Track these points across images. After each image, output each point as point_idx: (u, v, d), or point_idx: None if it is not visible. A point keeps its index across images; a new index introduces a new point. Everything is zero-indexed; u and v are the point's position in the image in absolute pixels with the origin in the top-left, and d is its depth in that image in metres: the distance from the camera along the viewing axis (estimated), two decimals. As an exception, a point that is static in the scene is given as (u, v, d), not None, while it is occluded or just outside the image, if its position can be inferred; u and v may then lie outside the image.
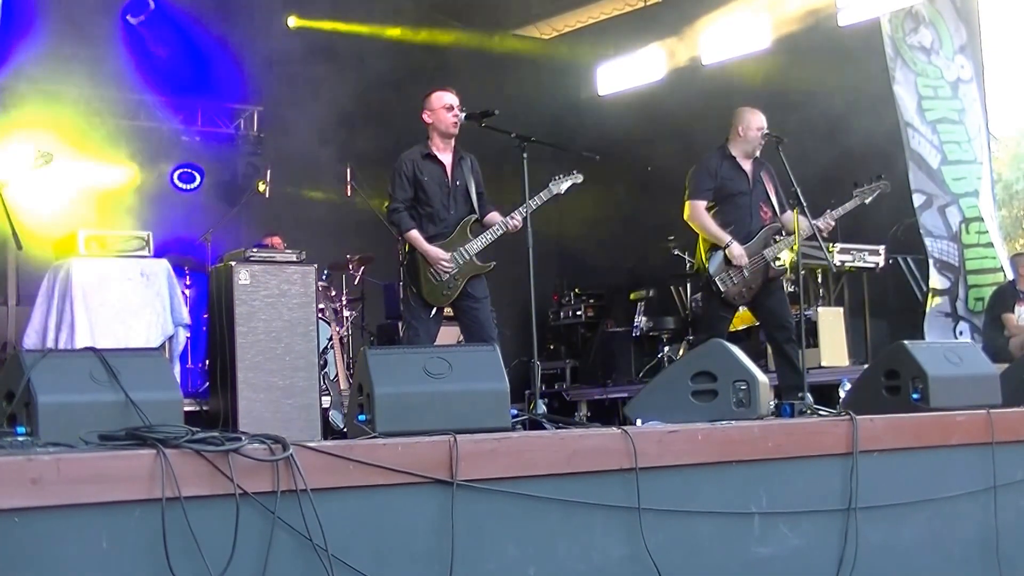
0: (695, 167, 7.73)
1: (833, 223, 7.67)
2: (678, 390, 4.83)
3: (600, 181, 8.22)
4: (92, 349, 3.71)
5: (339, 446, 3.53)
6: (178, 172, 11.43)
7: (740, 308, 7.97)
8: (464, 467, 3.64)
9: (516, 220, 6.94)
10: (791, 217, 7.37)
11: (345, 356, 9.40)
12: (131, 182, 11.00)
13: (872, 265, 9.80)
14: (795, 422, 4.99)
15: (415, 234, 6.97)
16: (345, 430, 4.53)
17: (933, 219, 10.01)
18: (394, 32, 11.37)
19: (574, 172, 7.19)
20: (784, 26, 10.57)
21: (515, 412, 4.53)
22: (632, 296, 11.29)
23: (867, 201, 7.86)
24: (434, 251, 6.93)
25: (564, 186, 7.15)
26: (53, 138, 9.29)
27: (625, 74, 12.25)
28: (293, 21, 11.49)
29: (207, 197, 11.55)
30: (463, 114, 6.99)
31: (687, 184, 7.68)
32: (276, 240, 9.64)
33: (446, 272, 6.92)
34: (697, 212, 7.59)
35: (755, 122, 7.59)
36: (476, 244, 7.03)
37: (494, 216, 7.11)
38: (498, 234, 7.04)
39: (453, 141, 7.13)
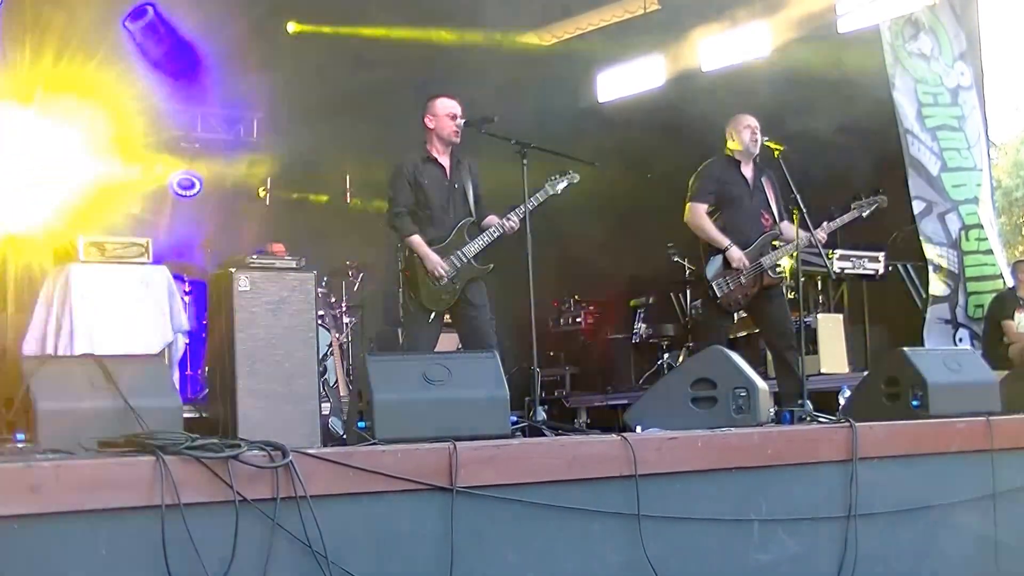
0: (699, 171, 7.75)
1: (826, 235, 7.69)
2: (678, 397, 4.83)
3: (600, 188, 8.21)
4: (91, 356, 3.71)
5: (339, 453, 3.53)
6: (178, 178, 11.42)
7: (736, 315, 7.97)
8: (464, 474, 3.64)
9: (513, 221, 6.95)
10: (790, 225, 7.38)
11: (345, 363, 9.39)
12: (131, 188, 10.99)
13: (872, 272, 9.79)
14: (795, 429, 4.99)
15: (417, 239, 6.97)
16: (345, 437, 4.52)
17: (933, 226, 10.01)
18: (394, 37, 11.35)
19: (570, 172, 7.17)
20: (784, 33, 10.56)
21: (515, 419, 4.53)
22: (632, 303, 11.27)
23: (864, 215, 7.90)
24: (434, 256, 6.92)
25: (560, 186, 7.12)
26: (53, 143, 9.29)
27: (625, 81, 12.24)
28: (292, 27, 11.48)
29: (206, 203, 11.54)
30: (462, 122, 7.00)
31: (688, 186, 7.70)
32: (279, 247, 9.61)
33: (444, 277, 6.92)
34: (697, 215, 7.60)
35: (743, 121, 7.63)
36: (473, 247, 7.03)
37: (491, 219, 7.11)
38: (495, 236, 7.04)
39: (451, 146, 7.14)
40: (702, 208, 7.61)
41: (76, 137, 9.68)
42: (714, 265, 7.54)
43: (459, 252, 6.99)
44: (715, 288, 7.49)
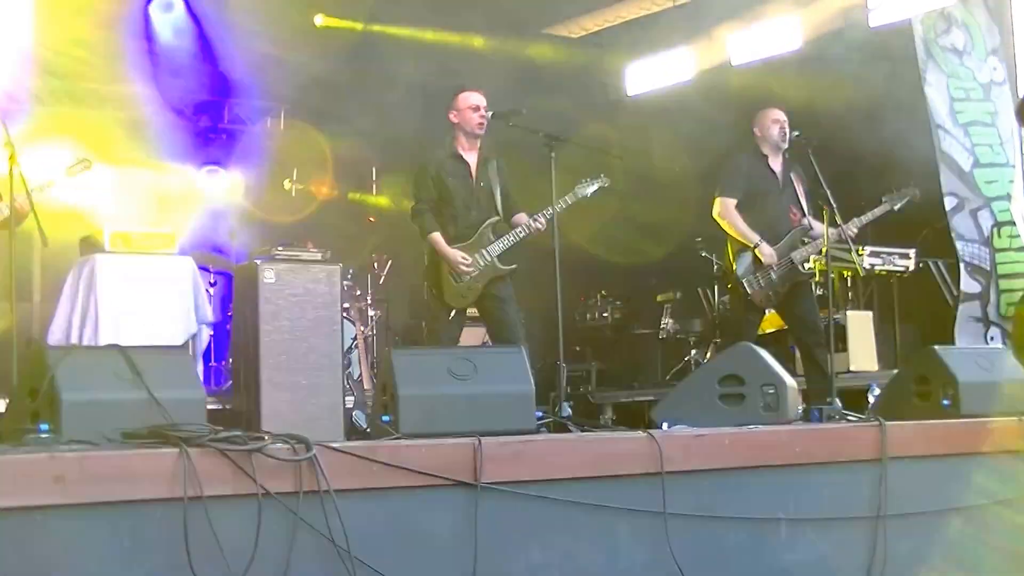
0: (725, 164, 7.69)
1: (856, 230, 7.61)
2: (705, 394, 4.79)
3: (627, 181, 8.17)
4: (116, 347, 3.70)
5: (362, 447, 3.51)
6: (204, 170, 11.44)
7: (767, 311, 7.91)
8: (488, 469, 3.62)
9: (540, 223, 6.94)
10: (819, 219, 7.31)
11: (369, 356, 9.38)
12: (156, 179, 11.01)
13: (902, 269, 9.70)
14: (823, 427, 4.96)
15: (437, 236, 6.95)
16: (369, 431, 4.51)
17: (964, 222, 9.90)
18: (423, 31, 11.33)
19: (601, 176, 7.16)
20: (815, 27, 10.48)
21: (540, 415, 4.50)
22: (659, 298, 11.21)
23: (896, 208, 7.82)
24: (454, 254, 6.90)
25: (590, 190, 7.12)
26: (79, 135, 9.31)
27: (654, 74, 12.18)
28: (321, 20, 11.46)
29: (232, 195, 11.55)
30: (490, 114, 6.97)
31: (717, 181, 7.64)
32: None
33: (466, 274, 6.90)
34: (727, 209, 7.54)
35: (770, 115, 7.58)
36: (497, 246, 7.01)
37: (520, 218, 7.09)
38: (520, 236, 7.02)
39: (479, 141, 7.11)
40: (731, 203, 7.55)
41: (102, 128, 9.72)
42: (744, 262, 7.48)
43: (483, 251, 6.97)
44: (746, 285, 7.43)
